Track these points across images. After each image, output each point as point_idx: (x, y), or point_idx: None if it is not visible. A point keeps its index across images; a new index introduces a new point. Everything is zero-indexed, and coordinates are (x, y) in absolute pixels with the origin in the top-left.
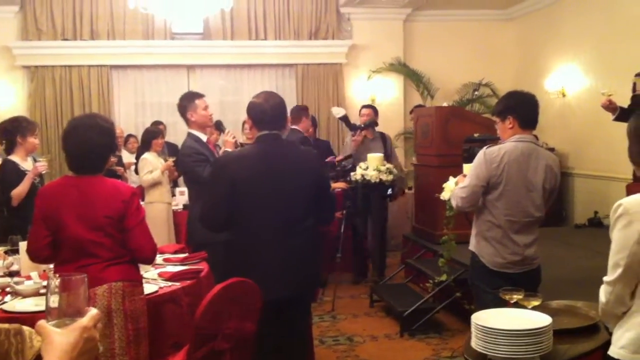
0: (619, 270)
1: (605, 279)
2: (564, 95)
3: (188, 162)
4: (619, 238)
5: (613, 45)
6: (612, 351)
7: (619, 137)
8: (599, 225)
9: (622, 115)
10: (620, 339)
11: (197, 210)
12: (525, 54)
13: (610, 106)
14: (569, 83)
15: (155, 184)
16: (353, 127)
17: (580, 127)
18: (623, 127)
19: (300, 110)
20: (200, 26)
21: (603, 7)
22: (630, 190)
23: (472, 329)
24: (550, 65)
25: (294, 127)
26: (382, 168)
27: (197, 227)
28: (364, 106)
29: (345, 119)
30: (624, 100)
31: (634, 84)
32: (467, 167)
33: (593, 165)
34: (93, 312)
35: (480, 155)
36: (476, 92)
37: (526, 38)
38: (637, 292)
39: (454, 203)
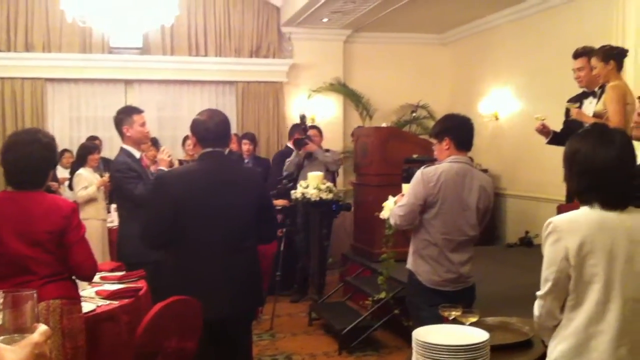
0: (549, 284)
1: (538, 293)
2: (497, 119)
3: (119, 178)
4: (548, 254)
5: (544, 71)
6: None
7: (549, 160)
8: (529, 245)
9: (555, 139)
10: (553, 352)
11: (127, 228)
12: (460, 77)
13: (543, 130)
14: (501, 107)
15: (90, 200)
16: (297, 143)
17: (512, 150)
18: (553, 150)
19: None
20: (140, 41)
21: (534, 34)
22: (561, 211)
23: (414, 345)
24: (484, 89)
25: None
26: (322, 187)
27: (127, 245)
28: (311, 126)
29: (302, 119)
30: (556, 124)
31: (567, 110)
32: (405, 187)
33: (524, 186)
34: (43, 328)
35: (418, 175)
36: (414, 114)
37: (461, 62)
38: (566, 306)
39: (392, 221)
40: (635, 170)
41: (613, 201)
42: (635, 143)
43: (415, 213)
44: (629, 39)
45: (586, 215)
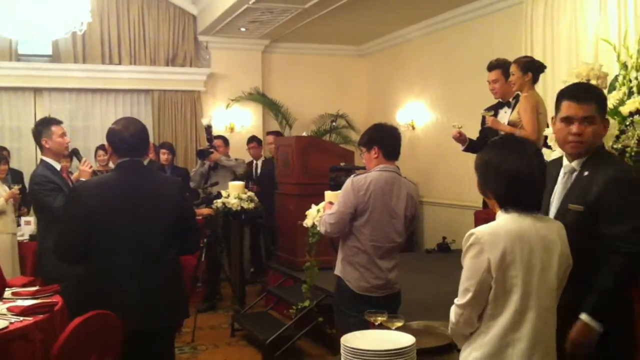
0: (469, 295)
1: (456, 301)
2: (413, 128)
3: (37, 191)
4: (470, 265)
5: (457, 82)
6: None
7: (464, 168)
8: (446, 250)
9: (471, 146)
10: (468, 358)
11: (48, 242)
12: (377, 88)
13: (460, 138)
14: (417, 116)
15: None
16: (201, 154)
17: (429, 159)
18: (468, 158)
19: None
20: (49, 48)
21: (446, 47)
22: (478, 217)
23: (342, 351)
24: (401, 99)
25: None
26: (244, 196)
27: (48, 259)
28: (216, 137)
29: (208, 129)
30: (471, 133)
31: (483, 118)
32: (328, 195)
33: (440, 194)
34: None
35: (348, 183)
36: (334, 123)
37: (378, 73)
38: (485, 315)
39: (322, 229)
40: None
41: (527, 206)
42: (548, 151)
43: (346, 221)
44: (537, 53)
45: (505, 225)
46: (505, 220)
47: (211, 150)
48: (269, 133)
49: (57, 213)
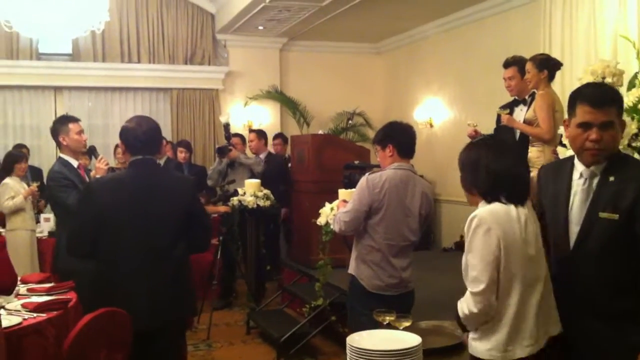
0: (487, 277)
1: (470, 289)
2: (431, 126)
3: (52, 187)
4: (481, 245)
5: (473, 80)
6: (482, 353)
7: None
8: (463, 249)
9: None
10: (487, 343)
11: (63, 238)
12: (394, 85)
13: (475, 136)
14: (435, 114)
15: (17, 210)
16: (220, 151)
17: (446, 156)
18: None
19: None
20: (69, 47)
21: (463, 44)
22: None
23: (347, 350)
24: (418, 96)
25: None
26: (260, 194)
27: (64, 254)
28: (234, 134)
29: (227, 127)
30: (487, 131)
31: (498, 116)
32: (342, 193)
33: (458, 191)
34: None
35: (363, 181)
36: (350, 121)
37: (395, 71)
38: (499, 296)
39: (337, 227)
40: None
41: (516, 198)
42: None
43: (360, 219)
44: (555, 50)
45: (499, 207)
46: (492, 205)
47: (230, 147)
48: (251, 131)
49: (70, 210)
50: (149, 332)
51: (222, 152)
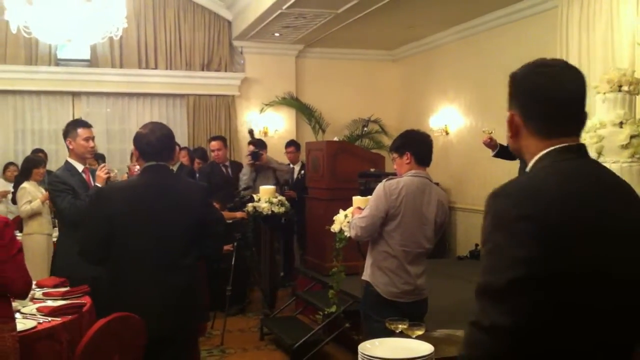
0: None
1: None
2: (447, 133)
3: (50, 192)
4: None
5: (489, 87)
6: None
7: (496, 174)
8: (478, 257)
9: (501, 152)
10: None
11: (62, 241)
12: (409, 93)
13: (490, 143)
14: (451, 121)
15: (34, 215)
16: (254, 155)
17: (461, 164)
18: (499, 164)
19: None
20: (88, 53)
21: (477, 54)
22: None
23: (359, 358)
24: (434, 104)
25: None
26: (274, 200)
27: (60, 259)
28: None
29: (251, 132)
30: (503, 138)
31: None
32: (356, 200)
33: (473, 200)
34: None
35: (380, 187)
36: (365, 128)
37: (410, 78)
38: None
39: (353, 232)
40: None
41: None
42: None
43: (377, 225)
44: (572, 58)
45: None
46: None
47: (261, 152)
48: (213, 138)
49: (63, 214)
50: (160, 339)
51: (256, 156)
